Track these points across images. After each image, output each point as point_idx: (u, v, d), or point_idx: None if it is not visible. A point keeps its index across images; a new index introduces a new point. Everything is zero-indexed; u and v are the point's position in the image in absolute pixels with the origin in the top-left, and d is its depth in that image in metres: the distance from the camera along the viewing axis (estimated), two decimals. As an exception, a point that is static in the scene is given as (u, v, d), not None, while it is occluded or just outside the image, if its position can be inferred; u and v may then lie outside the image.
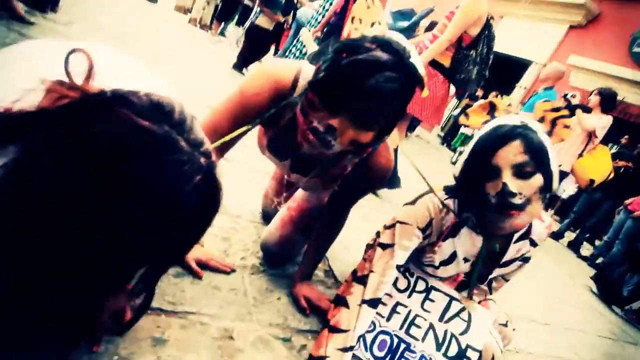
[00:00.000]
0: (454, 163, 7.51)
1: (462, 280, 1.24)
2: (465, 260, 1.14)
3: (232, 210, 1.53)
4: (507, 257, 1.13)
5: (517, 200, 0.91)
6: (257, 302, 1.12)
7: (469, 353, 1.06)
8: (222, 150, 1.08)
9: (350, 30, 1.07)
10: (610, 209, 5.18)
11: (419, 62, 0.87)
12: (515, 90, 10.24)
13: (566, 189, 7.74)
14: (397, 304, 1.14)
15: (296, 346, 1.04)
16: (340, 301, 1.11)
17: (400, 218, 1.12)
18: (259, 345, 0.97)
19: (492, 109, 1.13)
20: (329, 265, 1.52)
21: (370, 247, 1.26)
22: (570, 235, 5.82)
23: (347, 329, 1.02)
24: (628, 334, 2.90)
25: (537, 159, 0.91)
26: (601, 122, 4.29)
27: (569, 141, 4.48)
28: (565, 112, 1.63)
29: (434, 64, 2.44)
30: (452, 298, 1.15)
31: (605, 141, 6.16)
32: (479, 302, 1.20)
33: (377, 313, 1.10)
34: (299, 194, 1.39)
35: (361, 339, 1.07)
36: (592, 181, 4.70)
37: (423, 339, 1.09)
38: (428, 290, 1.17)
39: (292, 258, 1.40)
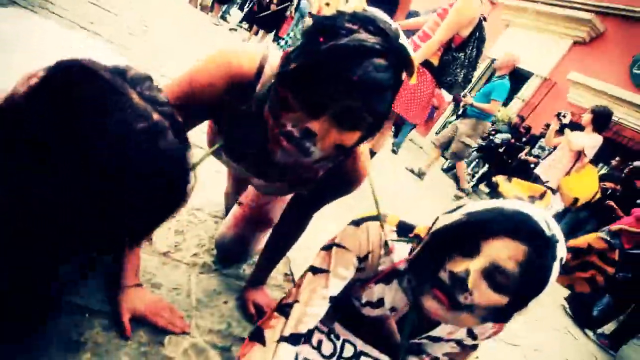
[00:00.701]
0: (445, 170, 7.46)
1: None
2: (393, 309, 0.97)
3: (191, 202, 1.45)
4: (436, 333, 0.95)
5: (462, 298, 0.70)
6: (200, 304, 1.05)
7: None
8: None
9: (321, 5, 0.92)
10: (593, 230, 5.16)
11: (408, 43, 0.74)
12: (514, 101, 10.19)
13: (553, 206, 7.79)
14: None
15: (234, 357, 0.97)
16: (256, 335, 0.90)
17: (340, 240, 0.94)
18: (192, 354, 0.90)
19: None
20: (290, 269, 1.45)
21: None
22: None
23: None
24: (599, 355, 2.88)
25: (524, 280, 0.68)
26: (590, 142, 4.24)
27: (558, 158, 4.46)
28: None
29: (423, 62, 2.37)
30: None
31: (596, 162, 6.16)
32: None
33: None
34: (251, 190, 1.28)
35: None
36: (576, 200, 4.70)
37: None
38: (357, 355, 1.02)
39: (249, 257, 1.32)
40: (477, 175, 7.36)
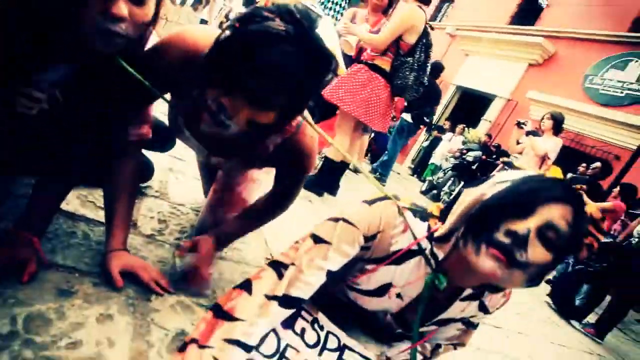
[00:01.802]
0: (423, 192, 7.66)
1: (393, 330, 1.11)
2: (398, 296, 0.97)
3: (174, 198, 1.52)
4: (448, 314, 0.97)
5: (519, 256, 0.74)
6: (186, 276, 1.10)
7: None
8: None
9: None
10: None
11: (332, 35, 0.82)
12: (481, 123, 10.68)
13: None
14: None
15: (220, 314, 1.01)
16: (244, 285, 0.90)
17: (349, 216, 0.91)
18: (178, 308, 0.95)
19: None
20: (271, 255, 1.51)
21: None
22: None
23: (242, 318, 0.82)
24: (583, 343, 2.93)
25: (569, 240, 0.76)
26: (553, 145, 4.49)
27: (524, 164, 4.68)
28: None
29: (375, 68, 2.56)
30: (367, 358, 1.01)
31: (564, 171, 6.48)
32: None
33: None
34: (221, 175, 1.34)
35: None
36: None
37: None
38: (341, 349, 1.00)
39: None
40: (454, 193, 7.55)
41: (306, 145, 1.02)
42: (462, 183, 7.59)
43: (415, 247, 0.90)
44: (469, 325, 1.04)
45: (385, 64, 2.54)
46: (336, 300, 1.11)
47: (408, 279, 0.93)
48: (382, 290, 0.96)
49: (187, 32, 0.91)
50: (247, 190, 1.32)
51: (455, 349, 1.10)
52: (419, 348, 1.06)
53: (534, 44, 10.07)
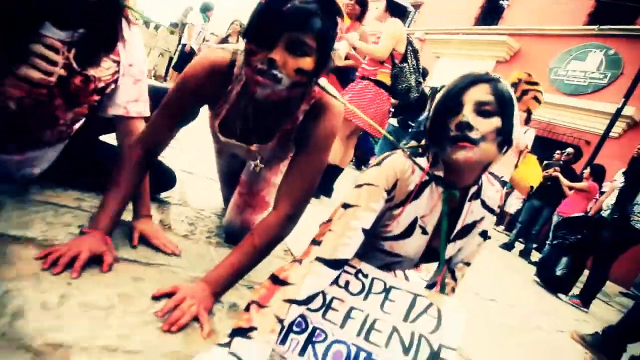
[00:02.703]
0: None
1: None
2: (424, 231, 1.10)
3: (195, 205, 1.69)
4: (462, 217, 1.10)
5: (473, 134, 0.92)
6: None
7: (444, 354, 0.91)
8: (157, 146, 1.16)
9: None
10: (549, 215, 5.67)
11: None
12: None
13: (512, 204, 8.35)
14: (352, 308, 0.98)
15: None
16: (295, 260, 0.97)
17: (367, 179, 1.02)
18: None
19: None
20: (287, 246, 1.68)
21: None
22: (520, 246, 6.24)
23: (295, 283, 0.89)
24: (570, 312, 3.18)
25: (500, 102, 0.95)
26: (531, 136, 4.80)
27: (505, 156, 4.96)
28: (539, 87, 1.81)
29: (379, 83, 2.90)
30: (416, 295, 1.01)
31: (541, 160, 6.83)
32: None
33: (328, 320, 0.96)
34: (244, 178, 1.49)
35: (310, 351, 0.91)
36: (531, 187, 5.19)
37: (387, 345, 0.93)
38: (387, 290, 1.03)
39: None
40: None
41: (333, 105, 1.12)
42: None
43: (425, 178, 1.06)
44: (484, 236, 1.17)
45: (386, 77, 2.88)
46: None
47: (427, 209, 1.07)
48: (410, 229, 1.09)
49: (208, 52, 1.11)
50: (269, 194, 1.49)
51: (467, 265, 1.22)
52: (447, 278, 1.19)
53: (499, 42, 10.60)
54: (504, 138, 0.95)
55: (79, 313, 0.77)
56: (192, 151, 2.49)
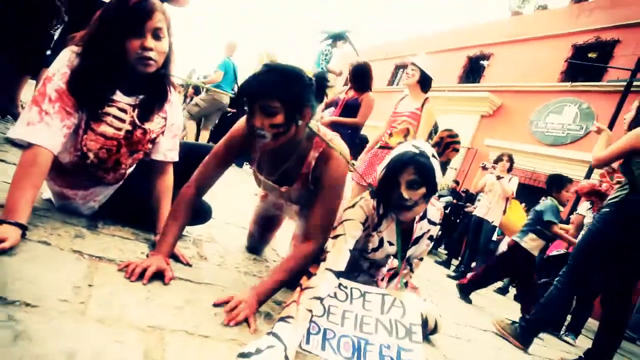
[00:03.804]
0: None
1: (393, 274, 1.71)
2: (390, 243, 1.61)
3: (222, 242, 1.95)
4: (415, 234, 1.61)
5: (408, 203, 1.41)
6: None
7: (414, 329, 1.35)
8: (205, 186, 1.45)
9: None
10: (543, 255, 5.90)
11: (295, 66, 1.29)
12: (448, 171, 11.56)
13: (504, 250, 8.55)
14: (344, 311, 1.35)
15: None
16: (310, 274, 1.30)
17: (346, 217, 1.47)
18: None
19: (407, 134, 1.73)
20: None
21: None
22: (514, 290, 6.38)
23: (315, 286, 1.23)
24: (560, 347, 3.33)
25: (423, 177, 1.39)
26: (515, 184, 5.16)
27: (494, 202, 5.25)
28: (458, 139, 2.22)
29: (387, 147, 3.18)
30: (383, 294, 1.45)
31: (527, 206, 7.19)
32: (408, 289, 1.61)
33: (331, 322, 1.29)
34: (297, 233, 1.81)
35: (328, 345, 1.20)
36: (519, 231, 5.47)
37: (376, 332, 1.31)
38: (363, 295, 1.42)
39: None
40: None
41: (336, 154, 1.41)
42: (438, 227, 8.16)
43: (381, 212, 1.58)
44: (431, 239, 1.67)
45: (394, 142, 3.15)
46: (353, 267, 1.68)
47: (388, 231, 1.58)
48: (380, 244, 1.59)
49: (240, 121, 1.45)
50: None
51: (421, 260, 1.73)
52: (404, 271, 1.67)
53: (482, 98, 11.38)
54: (429, 196, 1.43)
55: (162, 309, 1.03)
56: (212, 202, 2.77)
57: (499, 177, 5.10)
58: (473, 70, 13.28)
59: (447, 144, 1.89)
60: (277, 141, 1.28)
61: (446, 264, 6.63)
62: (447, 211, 8.03)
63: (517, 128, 10.52)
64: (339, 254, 1.34)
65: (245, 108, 1.26)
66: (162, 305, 1.05)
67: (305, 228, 1.42)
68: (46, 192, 1.52)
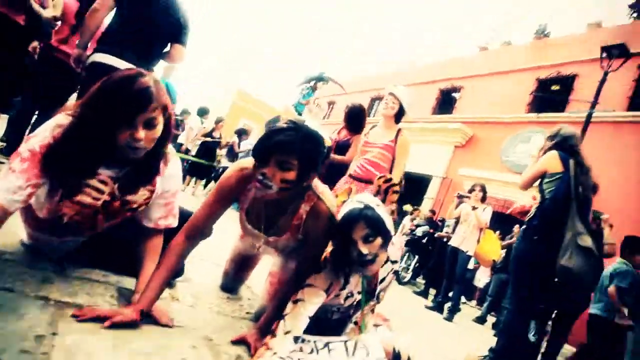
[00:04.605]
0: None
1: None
2: (359, 292, 1.58)
3: (196, 281, 1.92)
4: (379, 278, 1.62)
5: (367, 257, 1.38)
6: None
7: None
8: (197, 237, 1.44)
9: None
10: (516, 286, 5.99)
11: (317, 126, 1.38)
12: (424, 201, 11.76)
13: (481, 279, 8.65)
14: None
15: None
16: (273, 333, 1.37)
17: (310, 281, 1.45)
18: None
19: (350, 192, 1.75)
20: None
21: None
22: (492, 319, 6.44)
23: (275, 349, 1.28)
24: None
25: (374, 229, 1.38)
26: (489, 214, 5.28)
27: (468, 231, 5.34)
28: (394, 181, 2.29)
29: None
30: (344, 341, 1.48)
31: (502, 235, 7.37)
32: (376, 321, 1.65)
33: None
34: (274, 270, 1.81)
35: None
36: (494, 261, 5.56)
37: None
38: (326, 344, 1.44)
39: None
40: (410, 268, 8.06)
41: (324, 212, 1.47)
42: (416, 257, 8.21)
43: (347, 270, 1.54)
44: (394, 272, 1.69)
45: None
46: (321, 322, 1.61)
47: (354, 284, 1.54)
48: (350, 295, 1.55)
49: (240, 161, 1.50)
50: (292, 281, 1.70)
51: (385, 291, 1.72)
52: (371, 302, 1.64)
53: (454, 130, 11.78)
54: (386, 244, 1.43)
55: (130, 357, 1.01)
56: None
57: (474, 208, 5.23)
58: (445, 102, 13.79)
59: (385, 190, 1.90)
60: (279, 194, 1.32)
61: (424, 293, 6.64)
62: (424, 241, 8.09)
63: (490, 157, 10.87)
64: (297, 319, 1.35)
65: (252, 154, 1.32)
66: (131, 352, 1.03)
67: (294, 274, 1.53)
68: (21, 232, 1.48)
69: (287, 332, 1.31)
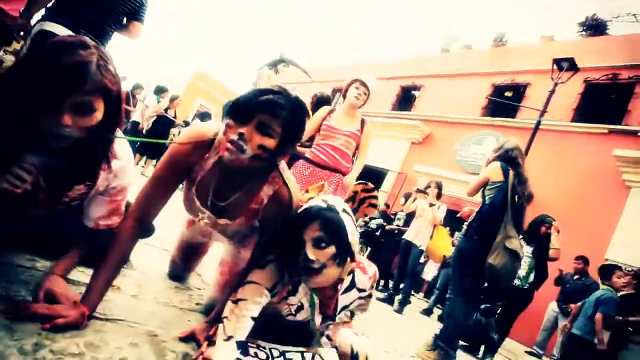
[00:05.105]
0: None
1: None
2: (310, 305, 1.40)
3: (141, 269, 1.75)
4: (340, 306, 1.39)
5: (315, 265, 1.18)
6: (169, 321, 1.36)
7: None
8: (148, 218, 1.28)
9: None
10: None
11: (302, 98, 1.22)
12: (380, 194, 11.93)
13: (429, 272, 8.93)
14: None
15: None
16: (212, 341, 1.20)
17: (252, 278, 1.28)
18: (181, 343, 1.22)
19: (322, 190, 1.55)
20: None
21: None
22: (437, 311, 6.64)
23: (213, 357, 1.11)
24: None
25: (329, 233, 1.19)
26: (444, 211, 5.41)
27: (423, 227, 5.44)
28: (375, 193, 2.22)
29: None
30: (302, 352, 1.36)
31: (452, 231, 7.59)
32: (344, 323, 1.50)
33: None
34: (226, 258, 1.62)
35: None
36: (444, 256, 5.72)
37: None
38: (282, 354, 1.31)
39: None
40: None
41: (288, 194, 1.32)
42: (369, 249, 8.31)
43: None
44: (368, 297, 1.47)
45: None
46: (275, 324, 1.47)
47: (305, 297, 1.37)
48: (301, 307, 1.39)
49: (197, 125, 1.32)
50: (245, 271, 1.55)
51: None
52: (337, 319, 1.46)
53: (412, 126, 12.00)
54: (342, 257, 1.23)
55: (53, 359, 0.85)
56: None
57: (431, 205, 5.33)
58: (405, 99, 14.00)
59: (362, 199, 1.78)
60: (250, 162, 1.17)
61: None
62: (377, 233, 8.20)
63: (444, 156, 11.20)
64: (239, 322, 1.17)
65: (226, 115, 1.15)
66: (55, 353, 0.87)
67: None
68: None
69: (228, 338, 1.13)
